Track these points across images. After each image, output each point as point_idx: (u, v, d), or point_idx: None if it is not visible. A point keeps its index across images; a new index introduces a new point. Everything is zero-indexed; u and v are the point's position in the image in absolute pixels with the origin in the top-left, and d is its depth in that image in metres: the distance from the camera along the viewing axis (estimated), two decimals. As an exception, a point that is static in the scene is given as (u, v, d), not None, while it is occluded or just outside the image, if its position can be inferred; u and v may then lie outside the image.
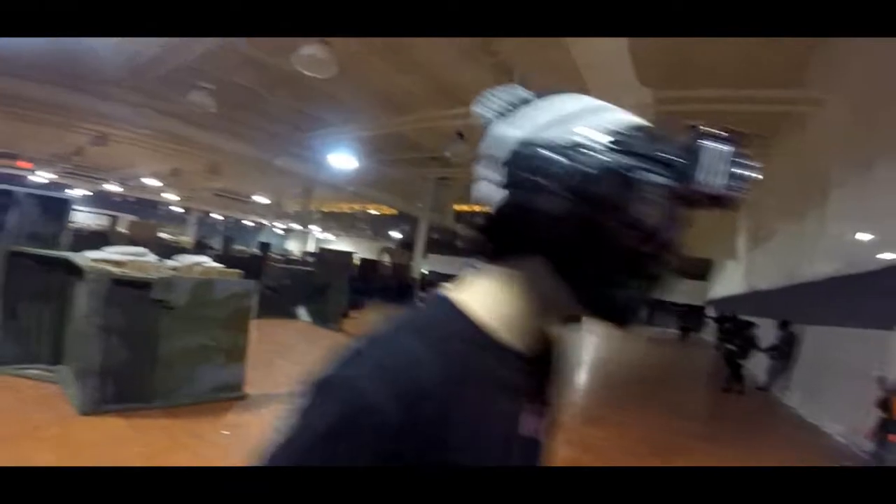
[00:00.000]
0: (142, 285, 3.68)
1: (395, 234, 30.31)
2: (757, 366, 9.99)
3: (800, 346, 8.64)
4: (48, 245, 4.42)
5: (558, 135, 0.52)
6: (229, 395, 4.36)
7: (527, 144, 0.52)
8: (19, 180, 19.74)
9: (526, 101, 0.58)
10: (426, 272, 23.24)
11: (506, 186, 0.53)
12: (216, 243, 21.79)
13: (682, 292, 28.45)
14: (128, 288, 3.59)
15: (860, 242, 7.17)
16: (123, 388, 3.64)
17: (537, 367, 0.61)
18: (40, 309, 4.33)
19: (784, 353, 8.92)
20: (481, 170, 0.58)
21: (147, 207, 33.31)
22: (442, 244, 31.11)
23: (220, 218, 38.52)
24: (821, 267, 8.10)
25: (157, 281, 3.72)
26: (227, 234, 27.78)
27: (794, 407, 8.04)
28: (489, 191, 0.55)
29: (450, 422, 0.50)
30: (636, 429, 5.78)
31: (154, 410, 3.79)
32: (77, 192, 29.66)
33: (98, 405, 3.51)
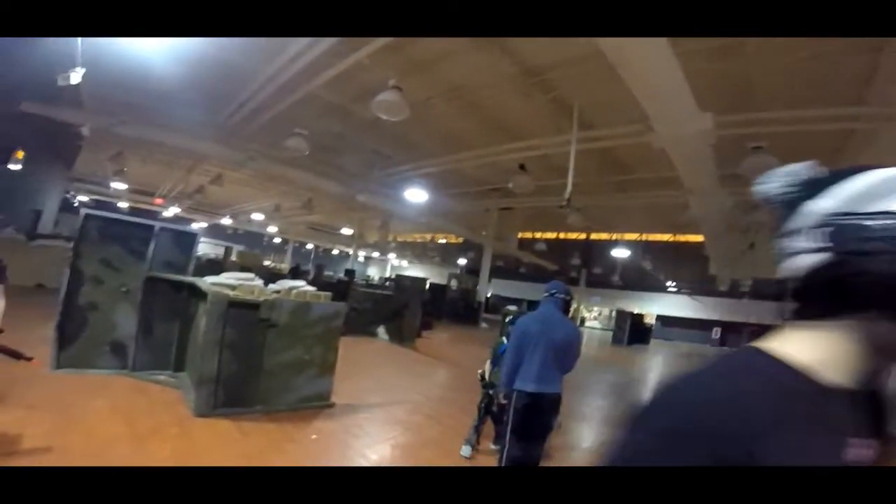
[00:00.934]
0: (251, 306, 3.98)
1: (462, 261, 30.52)
2: None
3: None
4: (178, 271, 4.93)
5: (875, 204, 0.55)
6: (319, 403, 4.54)
7: (847, 215, 0.56)
8: (154, 215, 22.32)
9: (812, 177, 0.63)
10: (490, 295, 23.10)
11: (826, 253, 0.56)
12: (309, 270, 23.17)
13: (755, 312, 25.97)
14: (240, 308, 3.90)
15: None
16: (232, 394, 3.92)
17: (865, 400, 0.61)
18: (169, 325, 4.81)
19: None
20: (790, 243, 0.61)
21: (253, 238, 36.20)
22: (505, 270, 30.90)
23: (312, 247, 40.97)
24: None
25: (264, 303, 4.01)
26: (318, 261, 29.46)
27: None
28: (805, 260, 0.59)
29: (754, 458, 0.53)
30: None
31: (256, 415, 4.03)
32: (198, 225, 33.06)
33: (210, 409, 3.79)
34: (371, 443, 3.99)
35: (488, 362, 4.11)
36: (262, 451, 3.46)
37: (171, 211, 25.83)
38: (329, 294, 5.30)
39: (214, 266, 12.18)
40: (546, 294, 3.32)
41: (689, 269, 27.09)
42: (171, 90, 9.57)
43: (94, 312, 4.58)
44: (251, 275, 5.37)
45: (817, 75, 6.41)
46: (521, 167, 9.88)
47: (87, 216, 4.55)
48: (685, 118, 5.80)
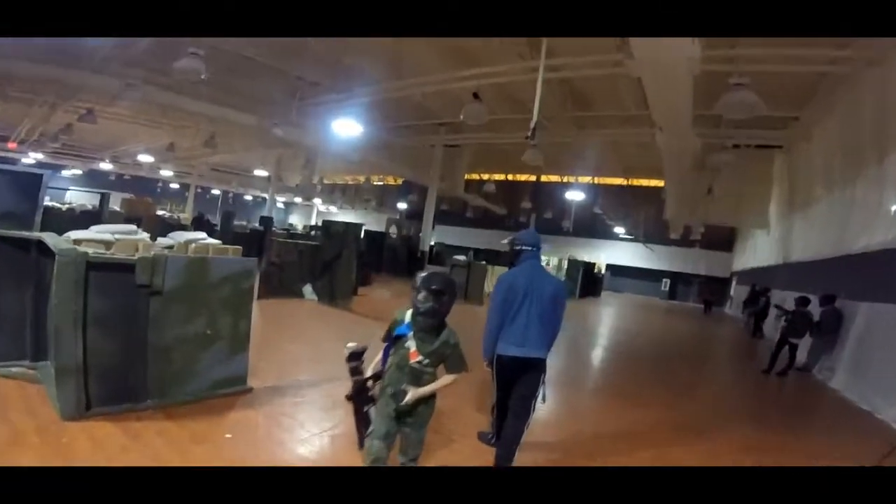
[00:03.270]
0: (124, 267, 3.27)
1: (402, 205, 29.78)
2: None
3: (845, 324, 8.14)
4: (23, 226, 4.02)
5: None
6: (232, 389, 4.01)
7: None
8: (10, 162, 19.40)
9: None
10: (434, 244, 22.86)
11: None
12: (215, 219, 21.46)
13: (705, 263, 28.00)
14: (106, 272, 3.18)
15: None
16: (110, 387, 3.28)
17: None
18: (17, 299, 3.95)
19: (828, 330, 8.39)
20: None
21: (145, 185, 32.91)
22: (450, 214, 30.64)
23: (220, 193, 38.18)
24: (875, 237, 7.56)
25: (140, 261, 3.30)
26: (228, 209, 27.42)
27: (840, 390, 7.58)
28: None
29: None
30: (678, 412, 5.44)
31: (148, 411, 3.45)
32: (72, 172, 29.39)
33: (82, 408, 3.15)
34: (305, 436, 3.55)
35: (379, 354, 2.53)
36: (160, 459, 2.93)
37: (32, 157, 22.62)
38: (238, 248, 4.67)
39: (90, 218, 10.71)
40: (526, 248, 3.31)
41: (642, 214, 28.37)
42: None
43: None
44: (132, 227, 4.57)
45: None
46: (475, 95, 9.31)
47: None
48: (672, 44, 5.49)
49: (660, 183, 17.47)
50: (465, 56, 9.25)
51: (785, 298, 10.93)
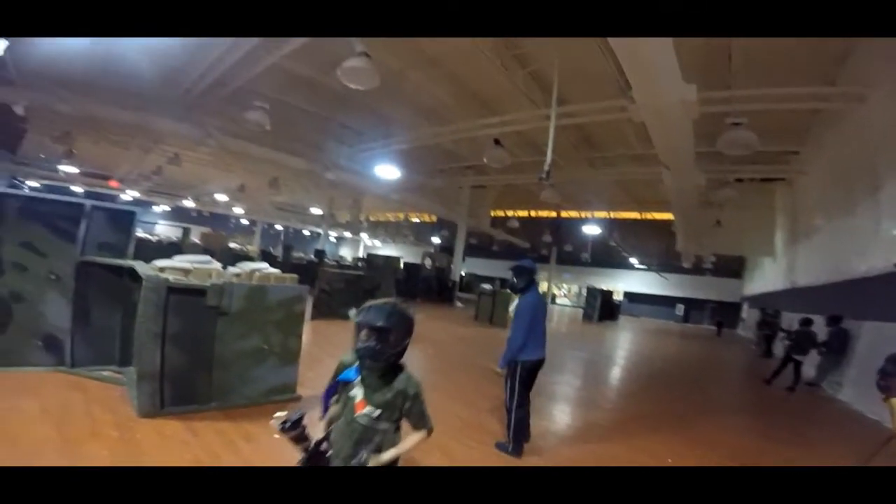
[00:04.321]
0: (197, 292, 3.48)
1: (436, 240, 30.08)
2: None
3: (853, 342, 7.66)
4: (117, 254, 4.34)
5: None
6: (283, 396, 4.12)
7: None
8: (112, 199, 20.88)
9: None
10: (465, 274, 22.88)
11: None
12: (278, 251, 22.25)
13: (716, 289, 26.84)
14: (183, 295, 3.40)
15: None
16: (181, 391, 3.45)
17: None
18: (110, 315, 4.24)
19: (836, 349, 7.93)
20: None
21: (220, 221, 34.58)
22: (478, 248, 30.66)
23: (282, 228, 39.59)
24: (875, 262, 7.15)
25: (210, 287, 3.51)
26: (288, 242, 28.41)
27: (849, 402, 7.10)
28: None
29: None
30: (693, 430, 5.16)
31: (211, 412, 3.59)
32: (159, 209, 31.27)
33: (156, 408, 3.32)
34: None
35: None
36: (214, 453, 3.04)
37: (130, 194, 24.23)
38: (295, 276, 4.85)
39: (174, 249, 11.35)
40: (535, 275, 3.77)
41: (655, 246, 27.60)
42: (118, 62, 8.58)
43: (19, 304, 3.97)
44: (207, 257, 4.83)
45: (795, 53, 6.26)
46: (497, 142, 9.48)
47: (1, 195, 3.89)
48: (670, 88, 5.50)
49: (670, 216, 17.04)
50: (487, 105, 9.50)
51: (792, 321, 10.36)
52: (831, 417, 6.72)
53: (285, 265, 14.77)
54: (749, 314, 21.60)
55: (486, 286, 16.06)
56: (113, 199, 20.00)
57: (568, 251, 28.36)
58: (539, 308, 3.62)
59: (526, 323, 3.51)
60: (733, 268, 25.63)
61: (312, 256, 21.99)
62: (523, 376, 3.59)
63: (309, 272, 14.82)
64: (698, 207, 12.81)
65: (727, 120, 6.87)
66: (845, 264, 8.53)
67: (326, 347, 7.06)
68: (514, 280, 3.69)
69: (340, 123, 11.94)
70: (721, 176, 10.94)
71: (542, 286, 28.71)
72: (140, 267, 3.65)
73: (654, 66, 5.02)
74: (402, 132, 11.57)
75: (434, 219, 30.70)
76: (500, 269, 29.58)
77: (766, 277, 18.21)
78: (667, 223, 19.31)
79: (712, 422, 5.66)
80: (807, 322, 8.25)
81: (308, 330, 4.63)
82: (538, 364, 3.64)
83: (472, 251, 28.47)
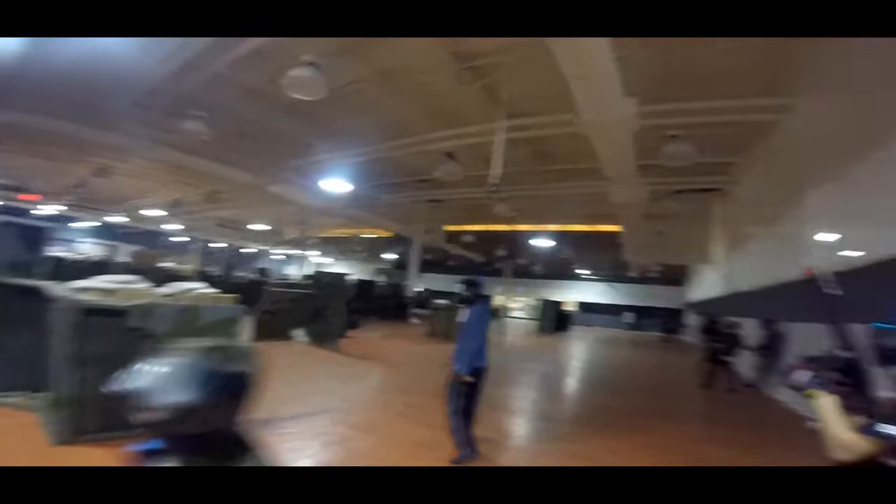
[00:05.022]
0: (119, 313, 3.22)
1: (389, 256, 29.83)
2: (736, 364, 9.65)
3: (786, 343, 8.31)
4: (29, 274, 3.95)
5: None
6: (222, 423, 3.87)
7: None
8: (23, 213, 19.07)
9: None
10: (421, 290, 22.80)
11: None
12: (218, 271, 21.18)
13: (664, 297, 28.33)
14: (103, 316, 3.13)
15: (842, 242, 6.92)
16: (105, 417, 3.16)
17: None
18: (21, 338, 3.83)
19: (772, 350, 8.58)
20: None
21: (155, 238, 32.46)
22: (434, 263, 30.73)
23: (224, 246, 37.80)
24: (800, 267, 7.84)
25: (132, 308, 3.26)
26: (231, 261, 27.12)
27: (786, 402, 7.67)
28: None
29: None
30: (643, 434, 5.35)
31: (140, 438, 3.29)
32: (84, 224, 28.96)
33: (74, 434, 3.02)
34: (286, 462, 3.43)
35: None
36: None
37: (51, 209, 22.28)
38: (235, 297, 4.63)
39: (99, 268, 10.50)
40: (480, 291, 4.11)
41: (604, 257, 28.80)
42: (45, 67, 7.94)
43: None
44: (133, 277, 4.51)
45: (733, 67, 6.72)
46: (449, 155, 9.60)
47: None
48: (610, 103, 5.82)
49: (618, 228, 17.89)
50: (442, 117, 9.59)
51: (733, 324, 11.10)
52: (768, 417, 7.20)
53: (225, 285, 14.07)
54: (693, 320, 22.92)
55: (442, 301, 16.06)
56: (24, 213, 18.23)
57: (521, 264, 29.01)
58: (485, 319, 3.96)
59: (483, 329, 3.88)
60: (678, 275, 27.21)
61: (256, 275, 21.10)
62: (479, 382, 3.85)
63: (252, 292, 14.21)
64: (642, 219, 13.52)
65: (665, 132, 7.33)
66: (778, 270, 9.27)
67: (270, 371, 6.73)
68: (465, 293, 4.07)
69: (287, 135, 11.65)
70: (663, 187, 11.64)
71: (499, 299, 29.18)
72: (50, 288, 3.34)
73: (595, 79, 5.29)
74: (354, 145, 11.46)
75: (388, 234, 30.51)
76: (455, 284, 29.77)
77: (709, 284, 19.44)
78: (614, 234, 20.28)
79: (659, 428, 5.90)
80: (731, 325, 9.00)
81: (250, 352, 4.39)
82: (481, 371, 3.86)
83: (427, 267, 28.45)
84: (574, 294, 31.73)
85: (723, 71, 6.62)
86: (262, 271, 20.12)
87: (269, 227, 25.19)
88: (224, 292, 4.81)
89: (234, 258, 35.05)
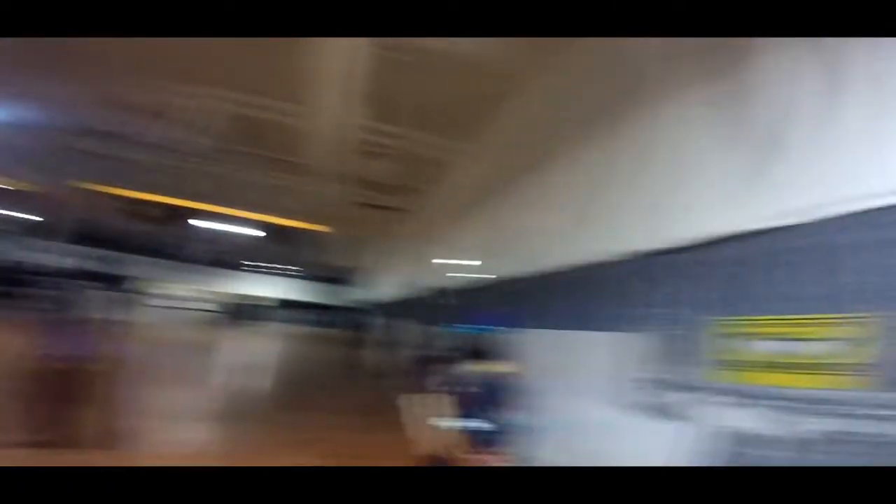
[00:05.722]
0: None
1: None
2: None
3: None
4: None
5: None
6: None
7: None
8: None
9: None
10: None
11: None
12: None
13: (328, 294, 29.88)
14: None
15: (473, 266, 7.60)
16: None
17: None
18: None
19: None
20: None
21: None
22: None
23: None
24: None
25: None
26: None
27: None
28: None
29: None
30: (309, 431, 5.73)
31: None
32: None
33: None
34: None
35: None
36: None
37: None
38: None
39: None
40: None
41: (299, 252, 28.73)
42: None
43: None
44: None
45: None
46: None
47: None
48: (343, 107, 6.14)
49: (316, 226, 18.59)
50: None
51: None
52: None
53: None
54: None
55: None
56: None
57: (207, 248, 25.79)
58: None
59: None
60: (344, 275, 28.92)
61: None
62: None
63: None
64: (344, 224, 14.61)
65: (367, 147, 8.12)
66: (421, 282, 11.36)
67: None
68: None
69: None
70: (362, 200, 12.95)
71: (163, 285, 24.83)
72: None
73: (337, 80, 5.50)
74: None
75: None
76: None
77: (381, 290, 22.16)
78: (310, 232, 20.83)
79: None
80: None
81: None
82: None
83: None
84: (261, 287, 30.41)
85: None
86: None
87: None
88: None
89: None
